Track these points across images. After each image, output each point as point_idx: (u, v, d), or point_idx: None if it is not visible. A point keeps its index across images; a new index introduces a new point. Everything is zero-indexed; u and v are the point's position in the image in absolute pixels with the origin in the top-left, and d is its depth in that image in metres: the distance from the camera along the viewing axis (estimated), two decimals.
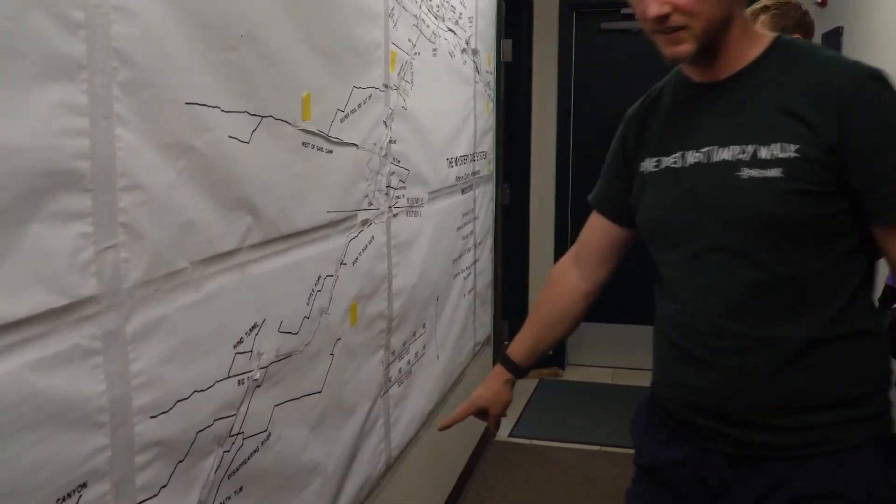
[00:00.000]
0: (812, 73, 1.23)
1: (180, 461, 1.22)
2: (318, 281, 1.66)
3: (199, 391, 1.25)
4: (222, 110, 1.29)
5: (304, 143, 1.56)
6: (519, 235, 4.67)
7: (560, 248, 4.73)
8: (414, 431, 2.45)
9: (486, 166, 3.33)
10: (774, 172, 1.20)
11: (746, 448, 1.29)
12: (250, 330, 1.40)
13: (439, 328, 2.67)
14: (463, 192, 2.92)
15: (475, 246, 3.16)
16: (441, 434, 2.94)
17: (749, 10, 2.36)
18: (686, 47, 1.23)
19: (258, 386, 1.44)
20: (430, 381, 2.60)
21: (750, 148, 1.23)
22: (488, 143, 3.36)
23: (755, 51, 1.28)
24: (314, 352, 1.66)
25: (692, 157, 1.30)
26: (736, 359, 1.27)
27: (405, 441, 2.37)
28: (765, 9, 2.42)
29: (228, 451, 1.35)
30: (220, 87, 1.28)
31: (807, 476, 1.25)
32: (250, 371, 1.40)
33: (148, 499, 1.14)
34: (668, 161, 1.34)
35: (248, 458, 1.41)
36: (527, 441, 3.91)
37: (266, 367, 1.46)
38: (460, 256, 2.93)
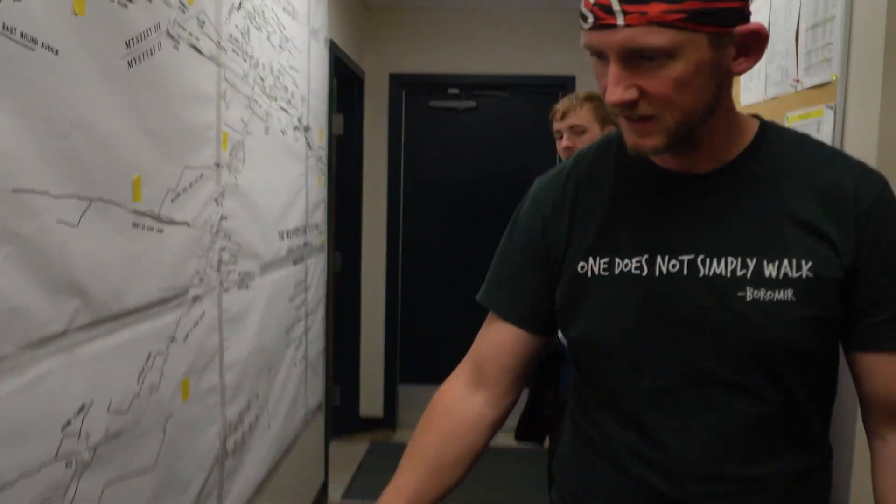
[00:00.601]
0: (819, 172, 1.03)
1: None
2: (148, 358, 1.65)
3: (24, 476, 1.22)
4: (50, 195, 1.29)
5: (134, 224, 1.57)
6: (351, 301, 4.71)
7: (391, 314, 4.81)
8: (247, 497, 2.43)
9: (318, 237, 3.38)
10: (785, 295, 0.99)
11: None
12: (78, 411, 1.38)
13: (271, 397, 2.67)
14: (295, 263, 2.95)
15: (307, 315, 3.19)
16: (274, 501, 2.92)
17: (575, 97, 2.39)
18: (653, 141, 0.99)
19: (87, 468, 1.41)
20: (263, 451, 2.58)
21: (751, 262, 1.00)
22: (320, 215, 3.41)
23: (744, 139, 1.06)
24: (145, 429, 1.64)
25: (666, 265, 1.03)
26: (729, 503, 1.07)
27: (245, 498, 2.34)
28: (589, 98, 2.37)
29: None
30: (48, 172, 1.28)
31: None
32: (78, 452, 1.38)
33: None
34: (624, 265, 1.06)
35: None
36: (360, 502, 3.91)
37: (95, 448, 1.43)
38: (293, 326, 2.94)
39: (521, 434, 2.57)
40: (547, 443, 2.63)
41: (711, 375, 1.03)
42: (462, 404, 1.18)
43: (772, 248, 1.00)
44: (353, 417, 4.75)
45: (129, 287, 1.55)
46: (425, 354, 4.75)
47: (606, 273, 1.07)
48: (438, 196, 4.85)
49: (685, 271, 1.02)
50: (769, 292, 0.99)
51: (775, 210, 1.02)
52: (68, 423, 1.35)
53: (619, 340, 1.07)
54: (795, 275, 0.99)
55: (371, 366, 4.83)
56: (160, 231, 1.69)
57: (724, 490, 1.06)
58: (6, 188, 1.18)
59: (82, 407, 1.39)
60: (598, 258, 1.08)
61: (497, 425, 1.19)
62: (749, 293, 0.99)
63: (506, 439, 2.30)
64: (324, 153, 3.44)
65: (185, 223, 1.82)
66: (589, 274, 1.08)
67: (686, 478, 1.06)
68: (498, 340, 1.18)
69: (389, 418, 4.85)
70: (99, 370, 1.45)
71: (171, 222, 1.74)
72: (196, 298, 1.91)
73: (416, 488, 1.13)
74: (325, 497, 3.89)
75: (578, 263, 1.09)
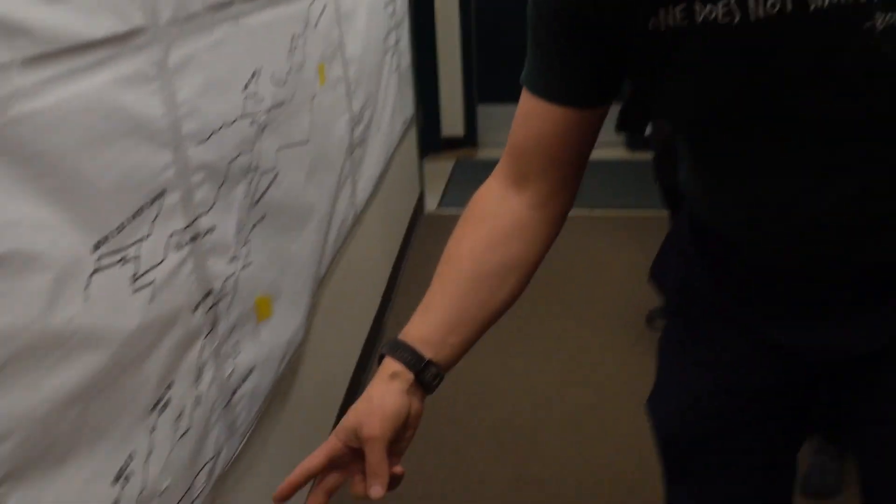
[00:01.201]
0: None
1: (221, 184, 1.34)
2: (292, 39, 1.75)
3: (226, 125, 1.37)
4: None
5: None
6: (426, 23, 4.69)
7: (466, 33, 4.79)
8: (370, 191, 2.62)
9: None
10: None
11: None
12: (251, 77, 1.50)
13: (379, 99, 2.79)
14: None
15: (396, 26, 3.23)
16: (385, 202, 3.14)
17: None
18: None
19: (263, 129, 1.55)
20: (377, 150, 2.74)
21: None
22: None
23: None
24: (298, 104, 1.77)
25: (763, 4, 0.74)
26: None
27: (364, 199, 2.54)
28: None
29: (251, 184, 1.48)
30: None
31: None
32: (256, 113, 1.52)
33: (204, 213, 1.28)
34: (707, 12, 0.76)
35: (266, 191, 1.55)
36: (455, 211, 4.15)
37: (267, 111, 1.57)
38: (388, 34, 3.00)
39: (620, 124, 2.35)
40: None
41: (846, 130, 0.78)
42: (501, 207, 0.93)
43: None
44: (435, 137, 4.90)
45: None
46: (503, 74, 4.78)
47: (686, 25, 0.77)
48: None
49: (789, 6, 0.73)
50: None
51: None
52: (246, 85, 1.48)
53: (717, 113, 0.82)
54: None
55: (450, 87, 4.91)
56: None
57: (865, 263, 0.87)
58: None
59: (253, 73, 1.51)
60: (670, 6, 0.77)
61: (549, 232, 0.94)
62: (880, 20, 0.71)
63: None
64: None
65: None
66: (663, 27, 0.78)
67: (819, 257, 0.87)
68: (539, 128, 0.90)
69: (471, 137, 5.00)
70: (259, 41, 1.55)
71: None
72: None
73: (450, 306, 0.89)
74: (422, 207, 4.13)
75: (651, 20, 0.79)
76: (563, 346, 2.83)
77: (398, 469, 0.82)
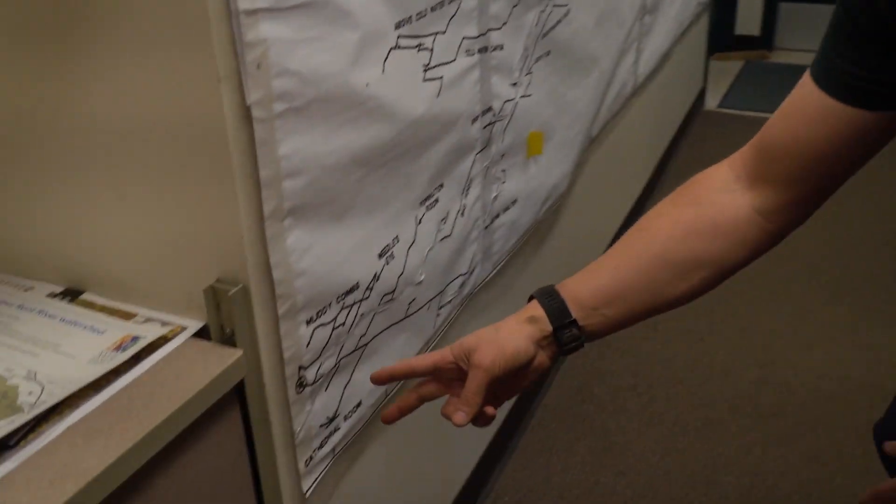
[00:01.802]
0: None
1: (515, 5, 1.32)
2: None
3: None
4: None
5: None
6: None
7: None
8: (652, 67, 2.51)
9: None
10: None
11: None
12: None
13: None
14: None
15: None
16: (664, 87, 2.98)
17: None
18: None
19: None
20: (666, 25, 2.61)
21: None
22: None
23: None
24: None
25: None
26: None
27: (645, 73, 2.44)
28: None
29: (543, 12, 1.45)
30: None
31: None
32: None
33: (495, 28, 1.26)
34: None
35: (555, 26, 1.51)
36: (736, 111, 3.89)
37: None
38: None
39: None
40: None
41: None
42: (722, 197, 0.79)
43: None
44: (728, 34, 4.59)
45: None
46: None
47: None
48: None
49: None
50: None
51: None
52: None
53: None
54: None
55: None
56: None
57: None
58: None
59: None
60: None
61: (763, 244, 0.79)
62: None
63: None
64: None
65: None
66: None
67: None
68: (809, 129, 0.73)
69: (766, 38, 4.62)
70: None
71: None
72: None
73: (618, 278, 0.80)
74: (701, 104, 3.92)
75: None
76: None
77: (491, 410, 0.78)
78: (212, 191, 0.80)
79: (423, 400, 0.82)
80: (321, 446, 1.03)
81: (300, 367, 0.94)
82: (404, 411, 0.82)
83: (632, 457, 1.85)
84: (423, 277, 1.18)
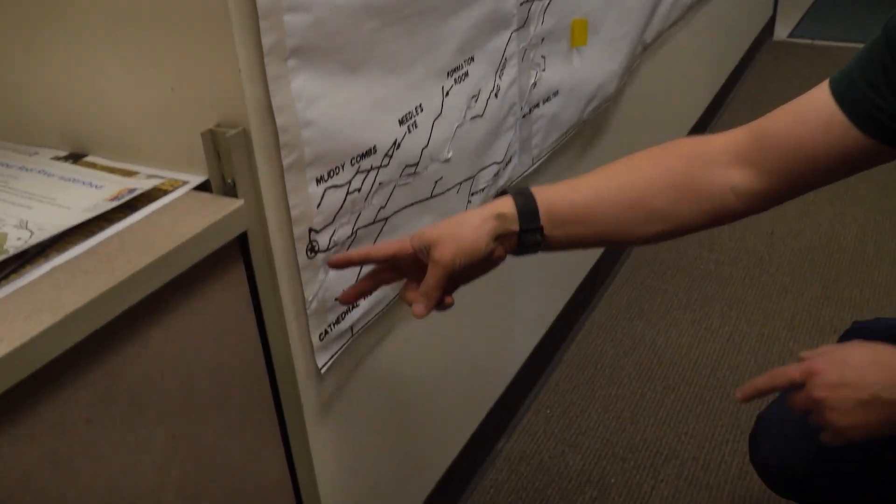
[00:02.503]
0: None
1: None
2: None
3: None
4: None
5: None
6: None
7: None
8: None
9: None
10: None
11: None
12: None
13: None
14: None
15: None
16: (727, 10, 2.81)
17: None
18: None
19: None
20: None
21: None
22: None
23: None
24: None
25: None
26: None
27: None
28: None
29: None
30: None
31: None
32: None
33: None
34: None
35: None
36: (808, 41, 3.67)
37: None
38: None
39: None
40: None
41: None
42: (711, 164, 0.81)
43: None
44: None
45: None
46: None
47: None
48: None
49: None
50: None
51: None
52: None
53: None
54: None
55: None
56: None
57: None
58: None
59: None
60: None
61: (726, 219, 0.83)
62: None
63: None
64: None
65: None
66: None
67: None
68: (814, 135, 0.77)
69: None
70: None
71: None
72: None
73: (594, 203, 0.81)
74: (770, 32, 3.71)
75: None
76: None
77: (449, 300, 0.81)
78: (207, 25, 0.73)
79: (379, 284, 0.88)
80: (338, 321, 0.97)
81: (311, 230, 0.87)
82: (361, 294, 0.89)
83: (682, 370, 1.76)
84: (450, 154, 1.10)
